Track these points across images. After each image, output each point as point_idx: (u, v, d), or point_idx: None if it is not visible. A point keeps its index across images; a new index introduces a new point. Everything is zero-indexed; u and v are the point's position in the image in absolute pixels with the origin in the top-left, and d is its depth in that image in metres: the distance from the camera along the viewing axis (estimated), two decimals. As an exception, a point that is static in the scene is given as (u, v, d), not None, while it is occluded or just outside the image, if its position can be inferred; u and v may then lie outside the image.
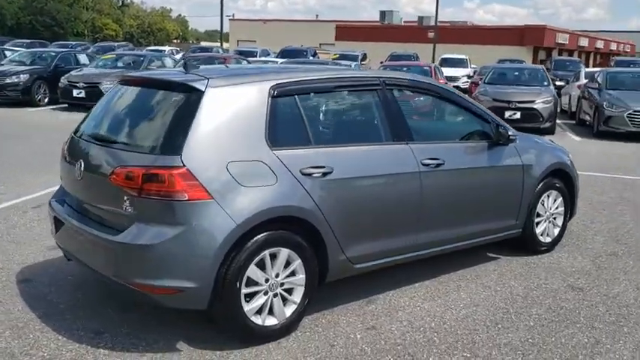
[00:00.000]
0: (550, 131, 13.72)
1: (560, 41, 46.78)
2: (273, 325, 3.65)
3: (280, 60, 21.90)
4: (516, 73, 15.63)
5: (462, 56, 30.56)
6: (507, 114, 13.41)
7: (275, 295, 3.64)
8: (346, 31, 51.56)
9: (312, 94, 4.01)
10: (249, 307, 3.53)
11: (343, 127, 4.30)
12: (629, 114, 13.07)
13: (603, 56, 58.42)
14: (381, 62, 29.08)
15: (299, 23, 61.41)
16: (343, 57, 30.12)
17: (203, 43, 69.39)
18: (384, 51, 37.34)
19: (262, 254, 3.53)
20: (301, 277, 3.71)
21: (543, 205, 5.28)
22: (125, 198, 3.39)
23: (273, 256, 3.59)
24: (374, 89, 4.23)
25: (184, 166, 3.32)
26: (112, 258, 3.45)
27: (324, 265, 3.84)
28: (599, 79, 14.81)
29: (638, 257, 5.41)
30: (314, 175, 3.70)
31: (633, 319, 4.11)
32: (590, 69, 22.91)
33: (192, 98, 3.50)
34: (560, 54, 47.74)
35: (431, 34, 47.19)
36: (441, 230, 4.48)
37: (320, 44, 43.75)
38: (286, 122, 3.80)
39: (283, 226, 3.60)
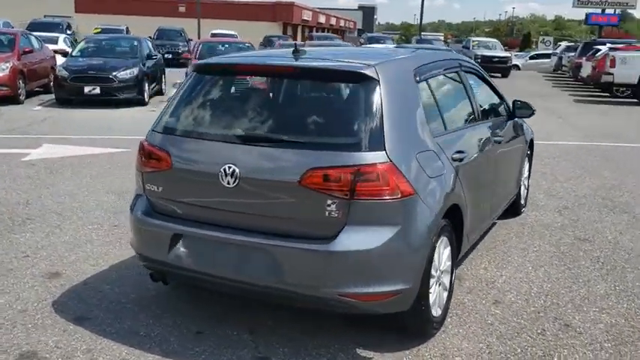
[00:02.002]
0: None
1: (305, 18, 49.69)
2: (439, 315, 3.62)
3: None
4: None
5: (232, 32, 30.82)
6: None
7: (439, 285, 3.61)
8: (87, 3, 47.46)
9: (436, 77, 3.95)
10: (431, 300, 3.46)
11: (455, 110, 4.31)
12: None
13: (336, 32, 63.66)
14: (150, 37, 27.72)
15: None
16: (108, 30, 28.08)
17: None
18: (136, 25, 35.52)
19: (437, 244, 3.46)
20: (449, 263, 3.72)
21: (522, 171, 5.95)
22: (329, 202, 3.02)
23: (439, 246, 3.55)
24: (458, 71, 4.34)
25: (391, 161, 3.09)
26: (315, 269, 3.06)
27: (459, 249, 3.90)
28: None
29: (585, 208, 6.42)
30: (458, 160, 3.72)
31: (648, 257, 4.99)
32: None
33: (368, 87, 3.23)
34: (303, 30, 50.83)
35: (182, 8, 46.29)
36: (500, 199, 4.86)
37: (45, 16, 39.41)
38: (429, 107, 3.71)
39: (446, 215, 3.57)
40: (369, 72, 3.26)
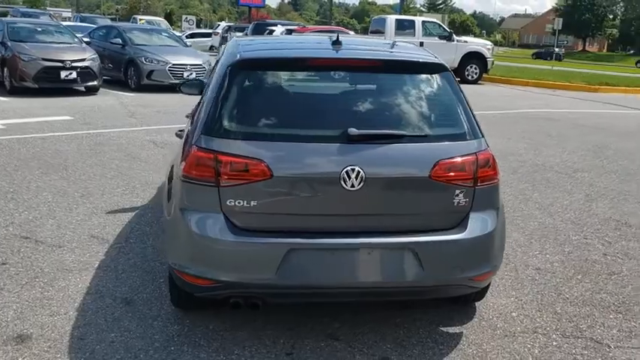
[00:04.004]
0: (96, 89, 13.64)
1: None
2: None
3: None
4: (39, 29, 14.23)
5: None
6: (63, 74, 12.72)
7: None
8: None
9: None
10: None
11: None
12: (170, 67, 14.41)
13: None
14: None
15: None
16: None
17: None
18: None
19: None
20: None
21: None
22: (457, 192, 3.11)
23: None
24: None
25: (488, 146, 3.32)
26: (455, 258, 3.14)
27: None
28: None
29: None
30: None
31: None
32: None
33: (448, 77, 3.37)
34: None
35: None
36: None
37: None
38: None
39: None
40: (441, 63, 3.41)
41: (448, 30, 20.88)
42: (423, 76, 3.40)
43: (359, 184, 2.98)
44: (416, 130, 3.18)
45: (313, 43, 4.01)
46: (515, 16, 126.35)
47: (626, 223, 5.71)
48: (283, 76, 3.34)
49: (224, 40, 35.58)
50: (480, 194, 3.20)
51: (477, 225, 3.19)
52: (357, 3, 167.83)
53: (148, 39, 15.79)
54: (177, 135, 5.73)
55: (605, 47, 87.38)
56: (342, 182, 2.97)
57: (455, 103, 3.31)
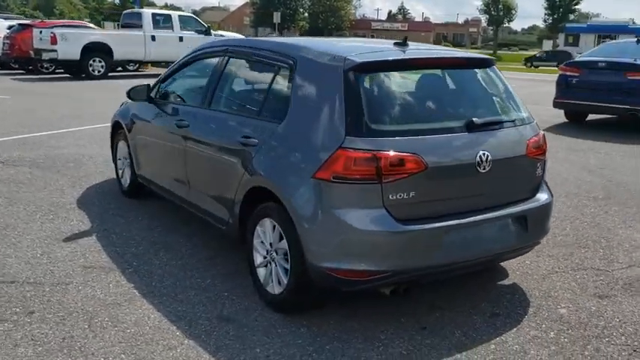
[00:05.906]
0: None
1: None
2: None
3: None
4: None
5: None
6: None
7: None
8: None
9: None
10: None
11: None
12: None
13: None
14: None
15: None
16: None
17: None
18: None
19: None
20: None
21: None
22: (538, 165, 3.81)
23: None
24: None
25: (533, 128, 4.07)
26: (547, 219, 3.87)
27: None
28: None
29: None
30: None
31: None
32: None
33: (497, 71, 4.00)
34: None
35: None
36: None
37: None
38: None
39: None
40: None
41: (205, 25, 21.11)
42: (490, 69, 3.97)
43: (488, 166, 3.47)
44: (509, 116, 3.79)
45: (377, 44, 4.25)
46: (213, 9, 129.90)
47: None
48: (399, 75, 3.59)
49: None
50: (545, 166, 3.94)
51: (547, 191, 3.94)
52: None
53: None
54: None
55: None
56: (477, 166, 3.43)
57: (511, 91, 3.98)
